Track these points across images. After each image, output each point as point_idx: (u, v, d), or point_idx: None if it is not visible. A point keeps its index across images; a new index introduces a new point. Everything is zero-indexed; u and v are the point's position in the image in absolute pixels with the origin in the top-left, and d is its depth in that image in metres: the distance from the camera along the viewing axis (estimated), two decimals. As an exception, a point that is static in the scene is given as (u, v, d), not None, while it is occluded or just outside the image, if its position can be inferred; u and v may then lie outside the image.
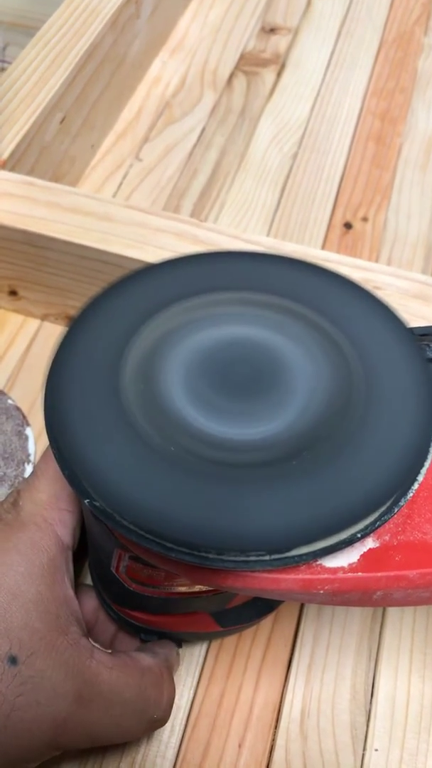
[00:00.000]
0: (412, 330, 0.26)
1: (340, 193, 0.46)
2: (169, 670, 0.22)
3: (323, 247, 0.43)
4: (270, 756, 0.27)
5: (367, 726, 0.27)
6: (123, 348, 0.19)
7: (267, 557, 0.17)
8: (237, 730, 0.27)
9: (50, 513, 0.22)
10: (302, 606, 0.30)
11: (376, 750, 0.27)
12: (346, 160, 0.47)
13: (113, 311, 0.20)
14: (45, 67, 0.39)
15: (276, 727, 0.27)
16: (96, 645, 0.22)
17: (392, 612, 0.30)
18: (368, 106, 0.51)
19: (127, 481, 0.17)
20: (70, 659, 0.20)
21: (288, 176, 0.46)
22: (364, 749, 0.27)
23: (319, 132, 0.49)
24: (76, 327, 0.20)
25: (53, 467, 0.23)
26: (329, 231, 0.44)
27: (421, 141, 0.49)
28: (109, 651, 0.22)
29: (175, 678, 0.28)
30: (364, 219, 0.44)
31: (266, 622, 0.30)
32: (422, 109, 0.51)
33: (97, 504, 0.17)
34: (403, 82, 0.53)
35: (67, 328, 0.20)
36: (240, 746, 0.27)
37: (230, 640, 0.29)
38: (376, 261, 0.42)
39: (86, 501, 0.17)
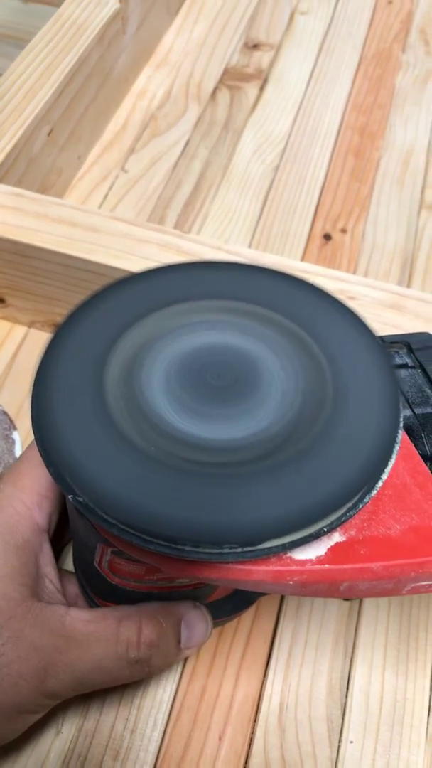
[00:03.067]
0: (382, 338, 0.28)
1: (320, 205, 0.47)
2: (152, 615, 0.23)
3: (303, 257, 0.44)
4: (249, 748, 0.28)
5: (343, 719, 0.29)
6: (107, 352, 0.20)
7: (239, 549, 0.18)
8: (217, 723, 0.28)
9: (29, 497, 0.24)
10: (281, 605, 0.31)
11: (351, 742, 0.28)
12: (326, 172, 0.49)
13: (99, 316, 0.21)
14: (33, 80, 0.41)
15: (255, 720, 0.28)
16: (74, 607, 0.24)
17: (367, 611, 0.31)
18: (348, 120, 0.52)
19: (109, 478, 0.18)
20: (46, 619, 0.22)
21: (270, 188, 0.48)
22: (340, 741, 0.28)
23: (300, 145, 0.51)
24: (64, 331, 0.21)
25: (37, 456, 0.24)
26: (309, 241, 0.45)
27: (399, 155, 0.50)
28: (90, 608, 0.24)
29: (156, 676, 0.29)
30: (343, 230, 0.46)
31: (246, 621, 0.31)
32: (400, 125, 0.52)
33: (81, 499, 0.18)
34: (381, 97, 0.54)
35: (54, 332, 0.21)
36: (220, 739, 0.28)
37: (211, 639, 0.30)
38: (354, 271, 0.44)
39: (70, 497, 0.18)
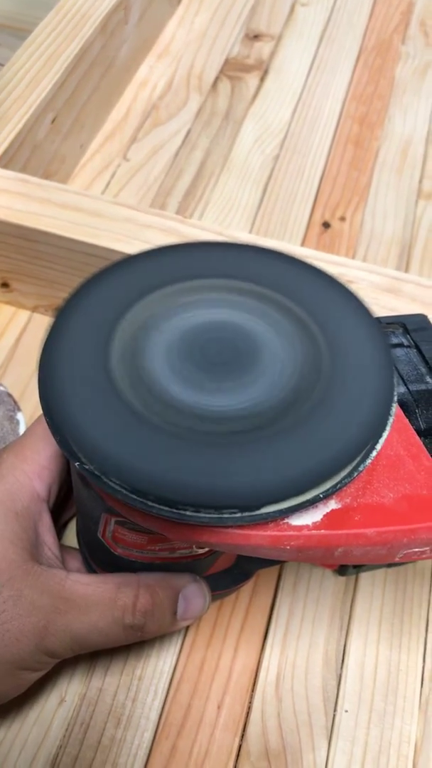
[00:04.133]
0: (378, 319, 0.28)
1: (320, 194, 0.48)
2: (150, 585, 0.24)
3: (303, 245, 0.45)
4: (247, 717, 0.29)
5: (338, 689, 0.29)
6: (113, 326, 0.21)
7: (239, 514, 0.19)
8: (216, 693, 0.29)
9: (30, 467, 0.25)
10: (279, 580, 0.32)
11: (346, 711, 0.29)
12: (326, 162, 0.50)
13: (106, 291, 0.22)
14: (37, 69, 0.41)
15: (253, 690, 0.29)
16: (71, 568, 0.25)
17: (363, 586, 0.32)
18: (347, 110, 0.53)
19: (114, 445, 0.18)
20: (45, 581, 0.23)
21: (270, 177, 0.48)
22: (335, 710, 0.29)
23: (300, 135, 0.51)
24: (71, 305, 0.22)
25: (41, 429, 0.25)
26: (308, 229, 0.46)
27: (398, 145, 0.51)
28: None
29: (157, 647, 0.30)
30: (342, 219, 0.46)
31: (244, 595, 0.31)
32: (399, 115, 0.53)
33: (86, 466, 0.19)
34: (381, 88, 0.55)
35: (61, 306, 0.21)
36: (219, 708, 0.29)
37: (210, 613, 0.31)
38: (353, 259, 0.44)
39: (76, 464, 0.19)
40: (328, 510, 0.20)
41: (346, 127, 0.52)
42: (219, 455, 0.18)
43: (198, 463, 0.18)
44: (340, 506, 0.20)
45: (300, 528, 0.19)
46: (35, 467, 0.25)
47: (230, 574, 0.28)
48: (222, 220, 0.46)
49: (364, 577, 0.32)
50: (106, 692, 0.29)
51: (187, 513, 0.19)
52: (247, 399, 0.20)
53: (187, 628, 0.30)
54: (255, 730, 0.28)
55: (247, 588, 0.31)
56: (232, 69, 0.55)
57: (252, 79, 0.54)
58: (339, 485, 0.20)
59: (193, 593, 0.25)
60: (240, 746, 0.28)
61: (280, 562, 0.31)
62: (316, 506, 0.20)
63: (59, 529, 0.31)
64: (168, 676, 0.29)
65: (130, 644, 0.29)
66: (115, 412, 0.19)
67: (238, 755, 0.28)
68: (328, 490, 0.19)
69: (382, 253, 0.45)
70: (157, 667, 0.29)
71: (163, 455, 0.18)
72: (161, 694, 0.29)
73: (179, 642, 0.30)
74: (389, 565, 0.31)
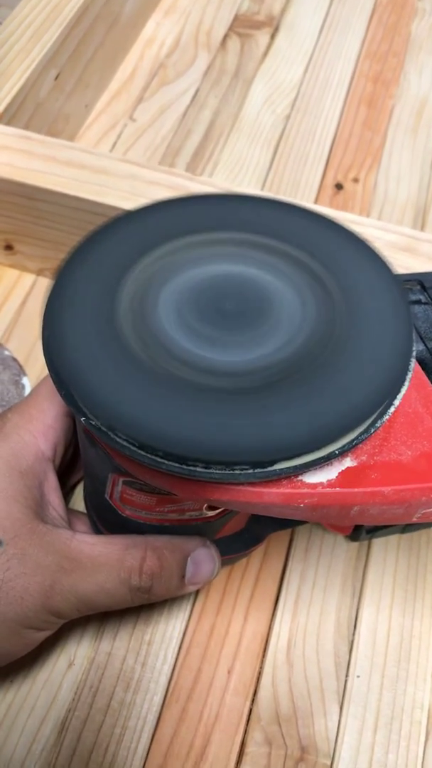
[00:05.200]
0: (398, 275, 0.27)
1: (332, 155, 0.46)
2: (158, 547, 0.24)
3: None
4: (258, 681, 0.28)
5: (350, 655, 0.29)
6: (120, 279, 0.20)
7: (251, 470, 0.18)
8: (226, 658, 0.29)
9: (35, 426, 0.24)
10: (290, 546, 0.31)
11: (358, 676, 0.28)
12: (338, 122, 0.48)
13: (114, 243, 0.21)
14: (40, 22, 0.40)
15: (263, 656, 0.29)
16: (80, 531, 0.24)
17: (376, 552, 0.31)
18: (361, 69, 0.51)
19: (121, 399, 0.18)
20: (50, 540, 0.23)
21: (281, 137, 0.47)
22: (347, 675, 0.29)
23: (312, 94, 0.49)
24: (77, 256, 0.21)
25: (46, 389, 0.25)
26: (320, 191, 0.44)
27: (413, 104, 0.49)
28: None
29: (166, 613, 0.29)
30: (355, 180, 0.45)
31: (255, 561, 0.31)
32: (414, 73, 0.51)
33: (93, 422, 0.18)
34: (396, 45, 0.53)
35: (67, 257, 0.21)
36: (229, 673, 0.28)
37: (220, 579, 0.30)
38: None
39: (82, 419, 0.19)
40: (343, 467, 0.19)
41: (359, 86, 0.50)
42: (230, 410, 0.18)
43: (209, 417, 0.17)
44: (356, 464, 0.19)
45: (314, 486, 0.19)
46: (40, 426, 0.24)
47: (241, 538, 0.27)
48: (232, 181, 0.44)
49: (377, 543, 0.31)
50: (115, 656, 0.28)
51: (198, 469, 0.18)
52: (259, 353, 0.19)
53: (197, 593, 0.30)
54: (266, 695, 0.28)
55: (257, 553, 0.31)
56: (241, 26, 0.53)
57: (262, 37, 0.52)
58: (355, 442, 0.19)
59: (203, 557, 0.24)
60: (251, 710, 0.28)
61: (293, 525, 0.30)
62: (331, 463, 0.19)
63: (67, 491, 0.31)
64: (177, 641, 0.29)
65: (138, 609, 0.29)
66: (122, 366, 0.18)
67: (248, 719, 0.27)
68: (343, 446, 0.19)
69: (397, 215, 0.44)
70: (167, 633, 0.29)
71: (173, 410, 0.18)
72: (170, 659, 0.28)
73: (188, 607, 0.30)
74: (403, 530, 0.31)
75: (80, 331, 0.19)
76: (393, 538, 0.31)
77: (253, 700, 0.28)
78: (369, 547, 0.31)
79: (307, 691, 0.28)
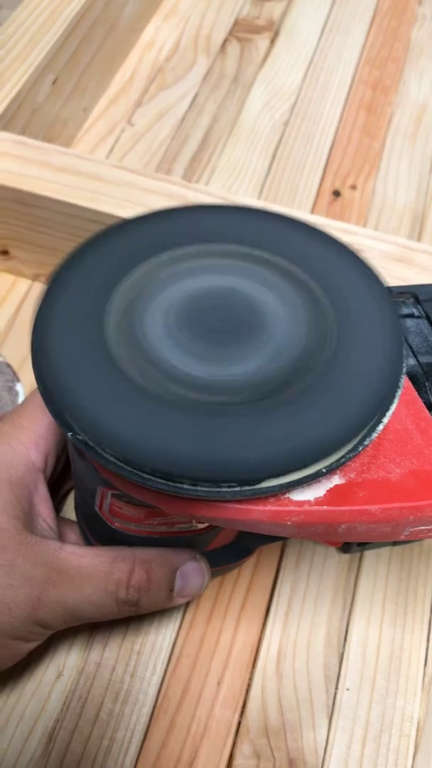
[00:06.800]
0: (389, 288, 0.27)
1: (330, 161, 0.46)
2: (147, 560, 0.24)
3: (312, 214, 0.43)
4: (247, 693, 0.28)
5: (340, 667, 0.29)
6: (109, 293, 0.20)
7: (238, 488, 0.18)
8: (216, 669, 0.29)
9: (26, 435, 0.24)
10: (281, 557, 0.31)
11: (348, 689, 0.28)
12: (337, 128, 0.48)
13: (102, 256, 0.21)
14: (38, 26, 0.40)
15: (253, 667, 0.29)
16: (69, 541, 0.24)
17: (367, 564, 0.31)
18: (360, 74, 0.51)
19: (108, 415, 0.18)
20: (39, 551, 0.22)
21: (279, 143, 0.47)
22: (336, 688, 0.28)
23: (311, 100, 0.49)
24: (66, 270, 0.21)
25: (38, 398, 0.25)
26: (318, 198, 0.44)
27: (412, 110, 0.49)
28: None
29: (157, 623, 0.29)
30: (353, 187, 0.45)
31: (246, 572, 0.31)
32: (414, 79, 0.51)
33: (80, 437, 0.18)
34: (395, 51, 0.53)
35: (56, 270, 0.20)
36: (219, 684, 0.28)
37: (211, 590, 0.30)
38: (364, 228, 0.43)
39: (69, 434, 0.18)
40: (331, 485, 0.19)
41: (358, 92, 0.50)
42: (218, 427, 0.18)
43: (196, 434, 0.17)
44: (343, 481, 0.19)
45: (301, 503, 0.19)
46: (31, 436, 0.24)
47: (232, 550, 0.27)
48: (229, 187, 0.44)
49: (369, 555, 0.31)
50: (105, 667, 0.28)
51: (184, 486, 0.18)
52: (248, 369, 0.19)
53: (187, 604, 0.30)
54: (255, 707, 0.28)
55: (248, 564, 0.31)
56: (241, 30, 0.53)
57: (262, 41, 0.52)
58: (343, 460, 0.19)
59: (192, 571, 0.24)
60: (239, 723, 0.27)
61: (283, 538, 0.30)
62: (319, 481, 0.19)
63: (58, 500, 0.31)
64: (167, 651, 0.29)
65: (128, 619, 0.29)
66: (110, 381, 0.18)
67: (237, 732, 0.27)
68: (331, 464, 0.19)
69: (394, 222, 0.43)
70: (156, 643, 0.29)
71: (160, 426, 0.17)
72: (160, 669, 0.28)
73: (179, 618, 0.30)
74: (394, 544, 0.31)
75: (69, 345, 0.19)
76: (384, 551, 0.31)
77: (242, 712, 0.28)
78: (360, 559, 0.31)
79: (296, 703, 0.28)
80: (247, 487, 0.18)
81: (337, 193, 0.44)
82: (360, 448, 0.19)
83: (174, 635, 0.29)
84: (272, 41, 0.52)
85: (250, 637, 0.29)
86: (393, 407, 0.20)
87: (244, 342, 0.20)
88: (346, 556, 0.31)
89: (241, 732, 0.27)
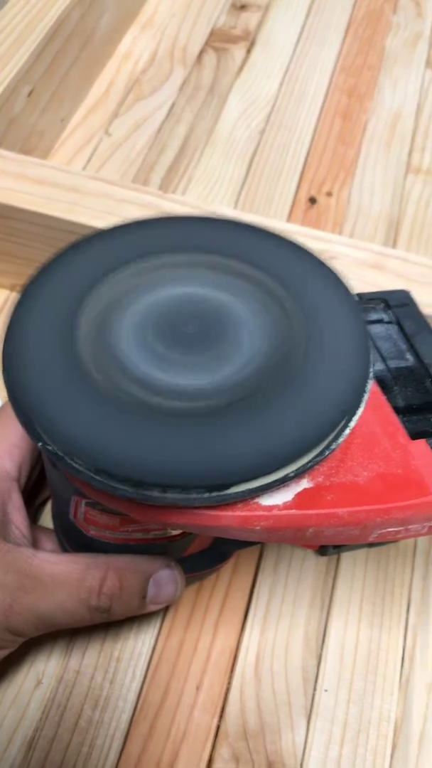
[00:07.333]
0: (360, 295, 0.28)
1: (306, 169, 0.47)
2: (120, 568, 0.24)
3: (288, 221, 0.44)
4: (226, 697, 0.28)
5: (318, 669, 0.29)
6: (79, 304, 0.20)
7: (207, 494, 0.18)
8: (195, 674, 0.29)
9: (0, 444, 0.24)
10: (259, 561, 0.32)
11: (326, 690, 0.29)
12: (313, 136, 0.48)
13: (71, 269, 0.21)
14: (13, 38, 0.40)
15: (232, 671, 0.29)
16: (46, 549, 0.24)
17: (345, 566, 0.32)
18: (336, 82, 0.52)
19: (77, 425, 0.18)
20: (11, 559, 0.23)
21: (255, 152, 0.47)
22: (315, 690, 0.29)
23: (287, 108, 0.50)
24: (34, 284, 0.21)
25: (11, 409, 0.24)
26: (294, 205, 0.45)
27: (387, 118, 0.50)
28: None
29: (136, 628, 0.29)
30: (329, 194, 0.46)
31: (224, 576, 0.31)
32: (388, 87, 0.52)
33: (50, 447, 0.19)
34: (370, 59, 0.54)
35: (26, 284, 0.21)
36: (198, 689, 0.28)
37: (189, 594, 0.31)
38: (339, 235, 0.44)
39: (39, 444, 0.19)
40: (299, 489, 0.19)
41: (334, 99, 0.51)
42: (186, 434, 0.18)
43: (164, 442, 0.18)
44: (312, 485, 0.20)
45: (270, 508, 0.19)
46: (5, 445, 0.25)
47: (208, 555, 0.28)
48: (206, 196, 0.45)
49: (346, 557, 0.32)
50: (84, 674, 0.28)
51: (154, 494, 0.18)
52: (217, 376, 0.19)
53: (166, 609, 0.30)
54: (233, 711, 0.28)
55: (227, 568, 0.31)
56: (217, 40, 0.53)
57: (238, 51, 0.53)
58: (311, 464, 0.19)
59: (165, 579, 0.25)
60: (218, 727, 0.28)
61: (258, 543, 0.31)
62: (287, 485, 0.19)
63: (35, 509, 0.31)
64: (146, 657, 0.29)
65: (107, 625, 0.29)
66: (79, 391, 0.18)
67: (216, 736, 0.27)
68: (299, 468, 0.19)
69: (370, 229, 0.44)
70: (136, 649, 0.29)
71: (129, 434, 0.18)
72: (139, 675, 0.29)
73: (158, 623, 0.30)
74: (370, 545, 0.31)
75: (39, 356, 0.19)
76: (361, 552, 0.32)
77: (221, 716, 0.28)
78: (338, 561, 0.32)
79: (274, 705, 0.28)
80: (215, 493, 0.18)
81: (313, 200, 0.45)
82: (327, 453, 0.19)
83: (153, 641, 0.29)
84: (248, 51, 0.53)
85: (229, 641, 0.30)
86: (360, 411, 0.20)
87: (214, 348, 0.20)
88: (324, 559, 0.32)
89: (220, 736, 0.27)
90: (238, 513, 0.19)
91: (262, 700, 0.28)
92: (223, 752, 0.27)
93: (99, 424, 0.18)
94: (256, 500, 0.19)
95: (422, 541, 0.33)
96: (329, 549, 0.30)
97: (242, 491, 0.18)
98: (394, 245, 0.43)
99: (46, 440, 0.19)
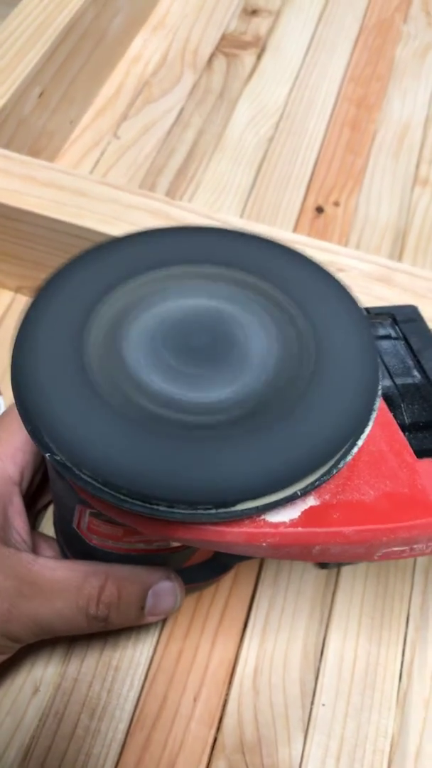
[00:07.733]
0: (367, 309, 0.27)
1: (314, 177, 0.47)
2: (120, 578, 0.24)
3: (295, 230, 0.44)
4: (223, 709, 0.28)
5: (316, 682, 0.29)
6: (89, 314, 0.20)
7: (214, 511, 0.18)
8: (193, 685, 0.29)
9: (3, 448, 0.25)
10: (259, 572, 0.32)
11: (324, 704, 0.29)
12: (321, 144, 0.48)
13: (81, 279, 0.21)
14: (25, 39, 0.40)
15: (230, 682, 0.29)
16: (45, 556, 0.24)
17: (345, 580, 0.32)
18: (345, 92, 0.52)
19: (86, 436, 0.18)
20: (11, 564, 0.22)
21: (263, 159, 0.47)
22: (312, 703, 0.29)
23: (296, 116, 0.50)
24: (45, 293, 0.21)
25: (16, 414, 0.24)
26: (301, 214, 0.45)
27: (395, 128, 0.50)
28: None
29: (134, 637, 0.29)
30: (336, 203, 0.45)
31: (224, 587, 0.31)
32: (397, 97, 0.52)
33: (57, 458, 0.19)
34: (380, 69, 0.53)
35: (35, 294, 0.21)
36: (195, 700, 0.28)
37: (189, 604, 0.30)
38: (346, 245, 0.44)
39: (47, 455, 0.19)
40: (306, 507, 0.19)
41: (343, 109, 0.51)
42: (194, 449, 0.18)
43: (173, 457, 0.18)
44: (318, 503, 0.20)
45: (277, 525, 0.19)
46: (9, 449, 0.24)
47: (209, 566, 0.27)
48: (213, 203, 0.45)
49: (346, 570, 0.32)
50: (82, 682, 0.28)
51: (160, 509, 0.18)
52: (226, 391, 0.19)
53: (165, 619, 0.30)
54: (231, 723, 0.28)
55: (227, 579, 0.31)
56: (228, 45, 0.53)
57: (248, 57, 0.53)
58: (318, 482, 0.19)
59: (164, 591, 0.24)
60: (215, 739, 0.28)
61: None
62: (294, 503, 0.19)
63: (36, 514, 0.31)
64: (144, 667, 0.29)
65: (106, 634, 0.29)
66: (89, 402, 0.18)
67: (213, 748, 0.27)
68: (306, 486, 0.19)
69: (376, 240, 0.44)
70: (134, 658, 0.29)
71: (137, 448, 0.18)
72: (137, 685, 0.28)
73: (156, 633, 0.30)
74: (371, 559, 0.31)
75: (49, 366, 0.19)
76: (361, 566, 0.32)
77: (218, 728, 0.28)
78: (338, 574, 0.32)
79: (272, 718, 0.28)
80: (222, 510, 0.18)
81: (320, 210, 0.45)
82: (335, 471, 0.19)
83: (152, 650, 0.29)
84: (258, 57, 0.53)
85: (227, 653, 0.30)
86: (368, 430, 0.20)
87: (224, 364, 0.20)
88: (324, 572, 0.32)
89: (216, 748, 0.27)
90: (244, 529, 0.19)
91: (260, 713, 0.28)
92: (220, 764, 0.27)
93: (108, 436, 0.18)
94: (263, 517, 0.19)
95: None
96: (330, 562, 0.30)
97: (249, 508, 0.18)
98: (400, 257, 0.43)
99: (54, 450, 0.19)
